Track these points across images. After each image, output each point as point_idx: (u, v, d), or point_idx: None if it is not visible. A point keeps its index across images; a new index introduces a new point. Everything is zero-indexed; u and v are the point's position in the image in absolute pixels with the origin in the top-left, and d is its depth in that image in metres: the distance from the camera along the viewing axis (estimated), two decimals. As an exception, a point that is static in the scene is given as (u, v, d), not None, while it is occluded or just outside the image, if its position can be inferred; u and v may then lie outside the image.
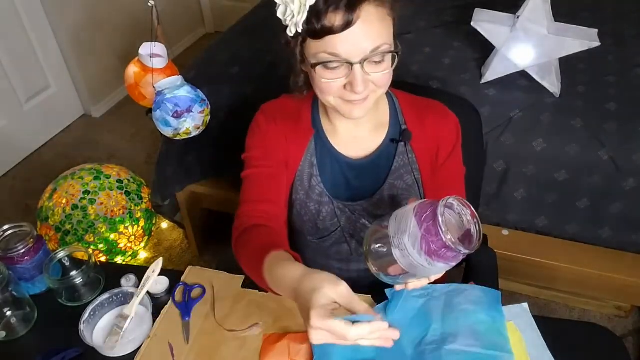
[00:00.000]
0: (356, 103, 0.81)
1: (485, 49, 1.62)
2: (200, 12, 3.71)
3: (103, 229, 1.76)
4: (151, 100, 1.24)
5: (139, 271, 0.97)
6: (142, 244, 1.93)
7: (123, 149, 2.68)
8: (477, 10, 1.57)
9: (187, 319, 0.91)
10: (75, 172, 1.83)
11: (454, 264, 0.66)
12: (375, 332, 0.61)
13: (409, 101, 0.97)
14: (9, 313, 0.92)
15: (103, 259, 1.79)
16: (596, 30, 1.47)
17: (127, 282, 0.97)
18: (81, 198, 1.75)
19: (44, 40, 2.57)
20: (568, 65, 1.59)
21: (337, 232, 1.00)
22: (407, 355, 0.80)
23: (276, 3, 0.76)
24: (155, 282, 0.94)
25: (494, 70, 1.54)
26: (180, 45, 3.54)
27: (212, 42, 1.97)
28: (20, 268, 0.94)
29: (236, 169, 1.02)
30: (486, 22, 1.52)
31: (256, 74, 1.68)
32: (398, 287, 0.76)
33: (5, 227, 0.96)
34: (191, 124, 1.21)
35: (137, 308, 0.90)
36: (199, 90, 1.25)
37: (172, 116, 1.18)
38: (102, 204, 1.77)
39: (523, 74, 1.54)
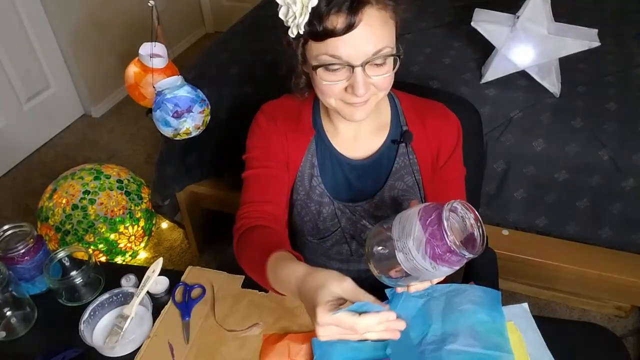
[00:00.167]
0: (357, 105, 0.81)
1: (485, 49, 1.62)
2: (200, 12, 3.71)
3: (103, 229, 1.76)
4: (151, 100, 1.24)
5: (139, 271, 0.97)
6: (142, 244, 1.93)
7: (123, 149, 2.68)
8: (477, 10, 1.57)
9: (187, 319, 0.91)
10: (75, 172, 1.83)
11: (457, 267, 0.66)
12: (383, 322, 0.61)
13: (410, 102, 0.97)
14: (9, 313, 0.92)
15: (103, 259, 1.79)
16: (596, 30, 1.47)
17: (127, 282, 0.97)
18: (81, 198, 1.75)
19: (44, 40, 2.57)
20: (568, 65, 1.59)
21: (338, 232, 1.00)
22: (407, 355, 0.80)
23: (277, 4, 0.76)
24: (155, 282, 0.94)
25: (494, 70, 1.54)
26: (180, 45, 3.54)
27: (212, 42, 1.97)
28: (20, 268, 0.94)
29: (236, 169, 1.02)
30: (486, 22, 1.52)
31: (256, 74, 1.68)
32: (400, 290, 0.76)
33: (5, 227, 0.96)
34: (191, 124, 1.21)
35: (137, 308, 0.90)
36: (199, 90, 1.25)
37: (172, 116, 1.18)
38: (102, 204, 1.77)
39: (523, 74, 1.54)
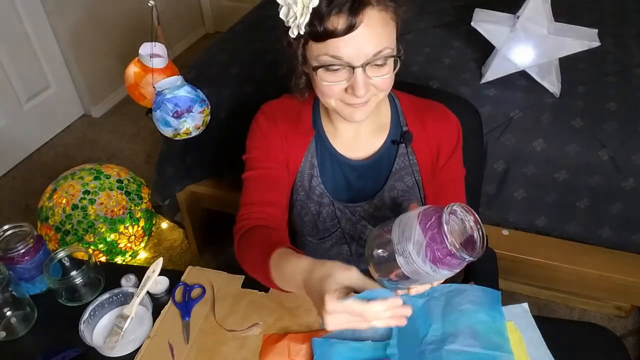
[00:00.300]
0: (357, 106, 0.81)
1: (485, 49, 1.62)
2: (200, 12, 3.71)
3: (103, 229, 1.76)
4: (151, 100, 1.24)
5: (139, 271, 0.97)
6: (142, 244, 1.93)
7: (123, 149, 2.68)
8: (477, 10, 1.57)
9: (187, 319, 0.91)
10: (75, 172, 1.83)
11: (458, 270, 0.66)
12: (391, 308, 0.61)
13: (410, 102, 0.97)
14: (9, 313, 0.92)
15: (103, 259, 1.79)
16: (596, 30, 1.47)
17: (127, 282, 0.97)
18: (81, 198, 1.75)
19: (44, 40, 2.57)
20: (568, 65, 1.59)
21: (337, 233, 1.00)
22: (408, 354, 0.80)
23: (277, 4, 0.76)
24: (155, 282, 0.94)
25: (494, 70, 1.54)
26: (180, 45, 3.54)
27: (212, 42, 1.97)
28: (20, 268, 0.94)
29: (236, 169, 1.02)
30: (486, 22, 1.52)
31: (256, 74, 1.68)
32: (400, 292, 0.77)
33: (5, 227, 0.96)
34: (191, 124, 1.21)
35: (137, 308, 0.90)
36: (199, 90, 1.25)
37: (172, 116, 1.18)
38: (102, 204, 1.77)
39: (523, 74, 1.54)
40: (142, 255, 2.00)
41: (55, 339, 0.90)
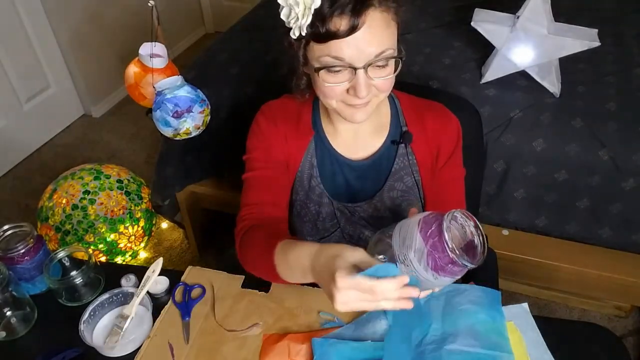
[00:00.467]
0: (358, 107, 0.81)
1: (485, 49, 1.62)
2: (200, 12, 3.71)
3: (103, 229, 1.76)
4: (151, 100, 1.24)
5: (139, 271, 0.97)
6: (142, 244, 1.93)
7: (123, 149, 2.68)
8: (477, 10, 1.57)
9: (187, 319, 0.91)
10: (75, 172, 1.83)
11: (459, 277, 0.66)
12: (399, 286, 0.62)
13: (410, 103, 0.97)
14: (9, 313, 0.92)
15: (103, 259, 1.79)
16: (596, 30, 1.47)
17: (127, 282, 0.97)
18: (81, 198, 1.75)
19: (44, 40, 2.56)
20: (568, 65, 1.59)
21: (337, 233, 1.00)
22: (408, 354, 0.80)
23: (278, 4, 0.76)
24: (155, 282, 0.94)
25: (494, 70, 1.54)
26: (180, 45, 3.53)
27: (212, 42, 1.97)
28: (20, 268, 0.94)
29: (236, 169, 1.02)
30: (486, 22, 1.52)
31: (256, 74, 1.68)
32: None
33: (5, 227, 0.96)
34: (191, 124, 1.21)
35: (137, 308, 0.90)
36: (199, 90, 1.25)
37: (172, 116, 1.18)
38: (102, 204, 1.77)
39: (523, 74, 1.54)
40: (142, 255, 2.00)
41: (55, 339, 0.90)
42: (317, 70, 0.78)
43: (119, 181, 1.85)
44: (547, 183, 1.48)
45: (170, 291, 0.97)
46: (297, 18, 0.74)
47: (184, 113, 1.19)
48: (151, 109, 1.23)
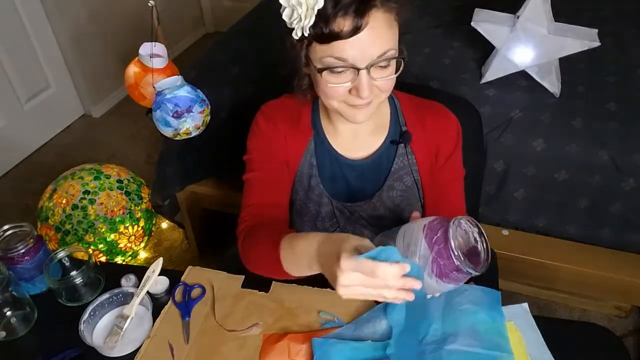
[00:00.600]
0: (360, 107, 0.81)
1: (485, 49, 1.62)
2: (200, 12, 3.71)
3: (103, 229, 1.76)
4: (151, 100, 1.24)
5: (139, 271, 0.97)
6: (142, 244, 1.93)
7: (123, 149, 2.68)
8: (477, 10, 1.57)
9: (187, 319, 0.91)
10: (75, 172, 1.83)
11: (462, 283, 0.66)
12: (402, 272, 0.62)
13: (409, 102, 0.97)
14: (9, 313, 0.92)
15: (103, 259, 1.79)
16: (596, 30, 1.47)
17: (127, 282, 0.97)
18: (81, 198, 1.75)
19: (44, 40, 2.57)
20: (568, 65, 1.59)
21: (336, 232, 1.00)
22: (408, 354, 0.80)
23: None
24: (155, 282, 0.94)
25: (494, 70, 1.54)
26: (180, 45, 3.53)
27: (212, 42, 1.97)
28: (20, 268, 0.94)
29: (236, 169, 1.02)
30: (486, 22, 1.52)
31: (256, 74, 1.68)
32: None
33: (5, 227, 0.96)
34: (191, 124, 1.21)
35: (137, 308, 0.90)
36: (199, 90, 1.25)
37: (172, 116, 1.18)
38: (102, 204, 1.77)
39: (523, 74, 1.54)
40: (142, 255, 2.00)
41: (55, 339, 0.90)
42: (320, 71, 0.78)
43: (119, 181, 1.85)
44: (547, 183, 1.47)
45: (170, 291, 0.97)
46: (300, 19, 0.73)
47: (184, 113, 1.19)
48: (151, 109, 1.23)
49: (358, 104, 0.80)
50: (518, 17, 1.48)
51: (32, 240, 0.95)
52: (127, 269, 1.01)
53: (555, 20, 1.50)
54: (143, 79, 1.27)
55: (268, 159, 0.95)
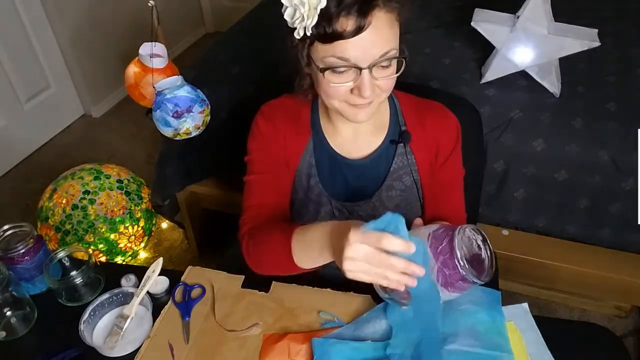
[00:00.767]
0: (361, 107, 0.81)
1: (485, 49, 1.62)
2: (200, 12, 3.71)
3: (103, 229, 1.76)
4: (151, 100, 1.24)
5: (139, 271, 0.97)
6: (142, 244, 1.93)
7: (123, 149, 2.68)
8: (477, 10, 1.57)
9: (187, 319, 0.91)
10: (75, 172, 1.83)
11: (466, 292, 0.66)
12: (406, 248, 0.63)
13: (409, 102, 0.97)
14: (9, 313, 0.92)
15: (103, 259, 1.79)
16: (596, 30, 1.47)
17: (127, 282, 0.97)
18: (81, 198, 1.75)
19: (44, 40, 2.57)
20: (568, 65, 1.59)
21: None
22: (408, 354, 0.80)
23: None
24: (155, 282, 0.94)
25: (494, 70, 1.54)
26: (180, 45, 3.53)
27: (212, 42, 1.97)
28: (20, 268, 0.94)
29: (236, 169, 1.02)
30: (486, 22, 1.52)
31: (256, 74, 1.68)
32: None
33: (5, 227, 0.96)
34: (191, 124, 1.21)
35: (137, 308, 0.90)
36: (199, 90, 1.25)
37: (172, 116, 1.18)
38: (102, 204, 1.77)
39: (523, 74, 1.54)
40: (142, 255, 2.00)
41: (55, 339, 0.90)
42: (322, 70, 0.78)
43: (119, 181, 1.85)
44: (547, 183, 1.47)
45: (170, 291, 0.97)
46: (303, 18, 0.73)
47: (184, 113, 1.19)
48: (151, 109, 1.23)
49: (359, 103, 0.80)
50: (518, 17, 1.48)
51: (32, 240, 0.95)
52: (127, 269, 1.01)
53: (555, 20, 1.50)
54: (143, 79, 1.27)
55: (267, 160, 0.95)
